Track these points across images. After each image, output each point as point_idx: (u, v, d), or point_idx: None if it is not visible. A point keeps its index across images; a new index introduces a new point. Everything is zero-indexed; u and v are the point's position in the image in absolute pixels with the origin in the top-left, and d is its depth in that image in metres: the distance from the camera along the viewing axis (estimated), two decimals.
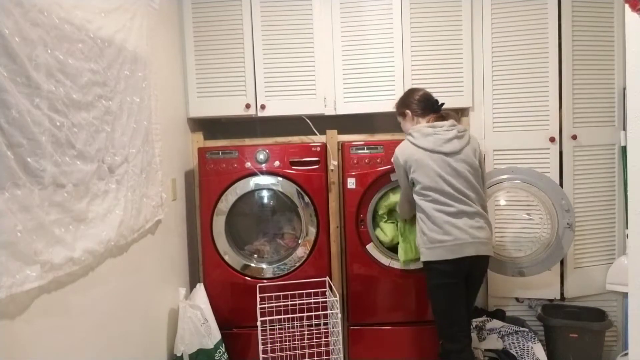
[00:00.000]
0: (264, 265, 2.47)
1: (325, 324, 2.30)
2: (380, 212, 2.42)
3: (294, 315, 2.23)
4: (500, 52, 2.52)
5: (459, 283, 2.00)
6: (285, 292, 2.35)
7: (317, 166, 2.44)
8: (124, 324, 1.72)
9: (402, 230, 2.32)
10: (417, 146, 2.05)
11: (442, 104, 2.16)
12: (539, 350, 2.32)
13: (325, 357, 2.27)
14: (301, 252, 2.45)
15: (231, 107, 2.59)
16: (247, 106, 2.58)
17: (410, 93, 2.23)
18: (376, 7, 2.55)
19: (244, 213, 2.58)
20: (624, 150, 2.48)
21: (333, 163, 2.51)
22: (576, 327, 2.39)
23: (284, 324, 2.28)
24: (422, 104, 2.16)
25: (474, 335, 2.40)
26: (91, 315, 1.47)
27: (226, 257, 2.44)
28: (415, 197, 2.05)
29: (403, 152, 2.09)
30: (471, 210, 1.98)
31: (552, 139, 2.49)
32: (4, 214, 1.04)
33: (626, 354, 2.34)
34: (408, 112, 2.17)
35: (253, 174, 2.43)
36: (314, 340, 2.30)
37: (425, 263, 2.04)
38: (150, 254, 1.99)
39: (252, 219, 2.66)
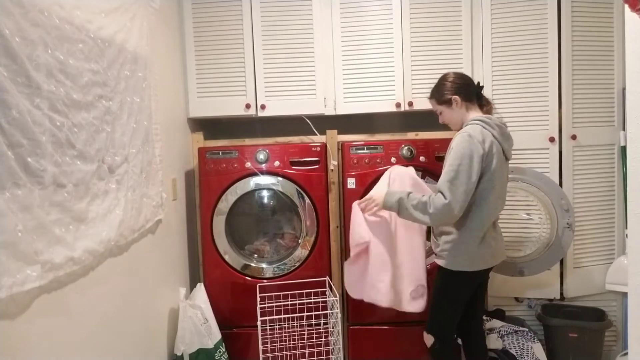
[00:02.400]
0: (264, 265, 2.48)
1: (325, 323, 2.30)
2: None
3: (294, 315, 2.24)
4: (500, 52, 2.52)
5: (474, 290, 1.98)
6: (285, 292, 2.35)
7: (317, 166, 2.44)
8: (124, 324, 1.72)
9: None
10: (496, 138, 1.82)
11: (483, 86, 1.98)
12: (538, 350, 2.33)
13: (325, 357, 2.27)
14: (301, 252, 2.45)
15: (231, 107, 2.59)
16: (247, 106, 2.58)
17: (449, 76, 1.97)
18: (376, 7, 2.55)
19: (244, 213, 2.58)
20: (623, 150, 2.48)
21: (333, 163, 2.51)
22: (576, 326, 2.39)
23: (284, 324, 2.28)
24: (466, 88, 1.92)
25: None
26: (91, 315, 1.47)
27: (226, 257, 2.44)
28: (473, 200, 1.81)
29: (484, 137, 1.78)
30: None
31: (551, 139, 2.49)
32: (4, 214, 1.04)
33: (626, 354, 2.34)
34: (457, 97, 1.91)
35: (253, 174, 2.43)
36: (314, 340, 2.31)
37: (451, 271, 1.88)
38: (150, 254, 1.99)
39: (252, 218, 2.67)
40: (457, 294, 1.94)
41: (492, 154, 1.80)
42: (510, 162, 2.49)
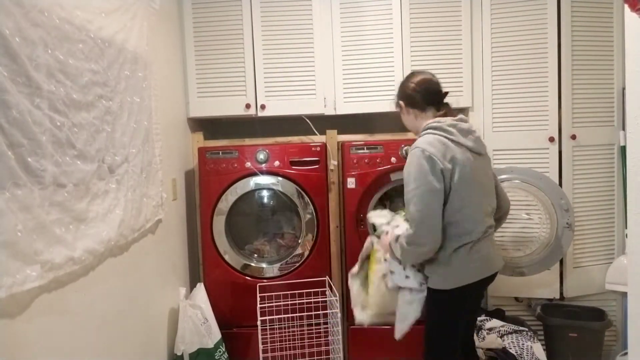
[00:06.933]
0: (264, 265, 2.48)
1: (325, 323, 2.30)
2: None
3: (294, 315, 2.24)
4: (500, 52, 2.52)
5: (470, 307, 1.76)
6: (285, 292, 2.35)
7: (317, 166, 2.44)
8: (125, 324, 1.72)
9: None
10: (458, 143, 1.61)
11: (447, 92, 1.77)
12: (538, 350, 2.32)
13: (325, 357, 2.28)
14: (301, 251, 2.45)
15: (231, 107, 2.60)
16: (247, 106, 2.58)
17: (406, 78, 1.80)
18: (376, 7, 2.55)
19: (244, 213, 2.58)
20: (623, 150, 2.48)
21: (333, 163, 2.51)
22: (575, 326, 2.39)
23: (284, 324, 2.28)
24: (413, 96, 1.73)
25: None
26: (91, 314, 1.48)
27: (226, 257, 2.45)
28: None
29: (434, 145, 1.57)
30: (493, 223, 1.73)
31: (551, 139, 2.49)
32: (4, 214, 1.04)
33: (625, 354, 2.34)
34: (401, 103, 1.76)
35: (253, 174, 2.43)
36: (314, 340, 2.31)
37: (442, 292, 1.64)
38: (150, 254, 1.99)
39: (252, 218, 2.67)
40: (457, 315, 1.72)
41: (453, 161, 1.59)
42: (508, 161, 2.52)
